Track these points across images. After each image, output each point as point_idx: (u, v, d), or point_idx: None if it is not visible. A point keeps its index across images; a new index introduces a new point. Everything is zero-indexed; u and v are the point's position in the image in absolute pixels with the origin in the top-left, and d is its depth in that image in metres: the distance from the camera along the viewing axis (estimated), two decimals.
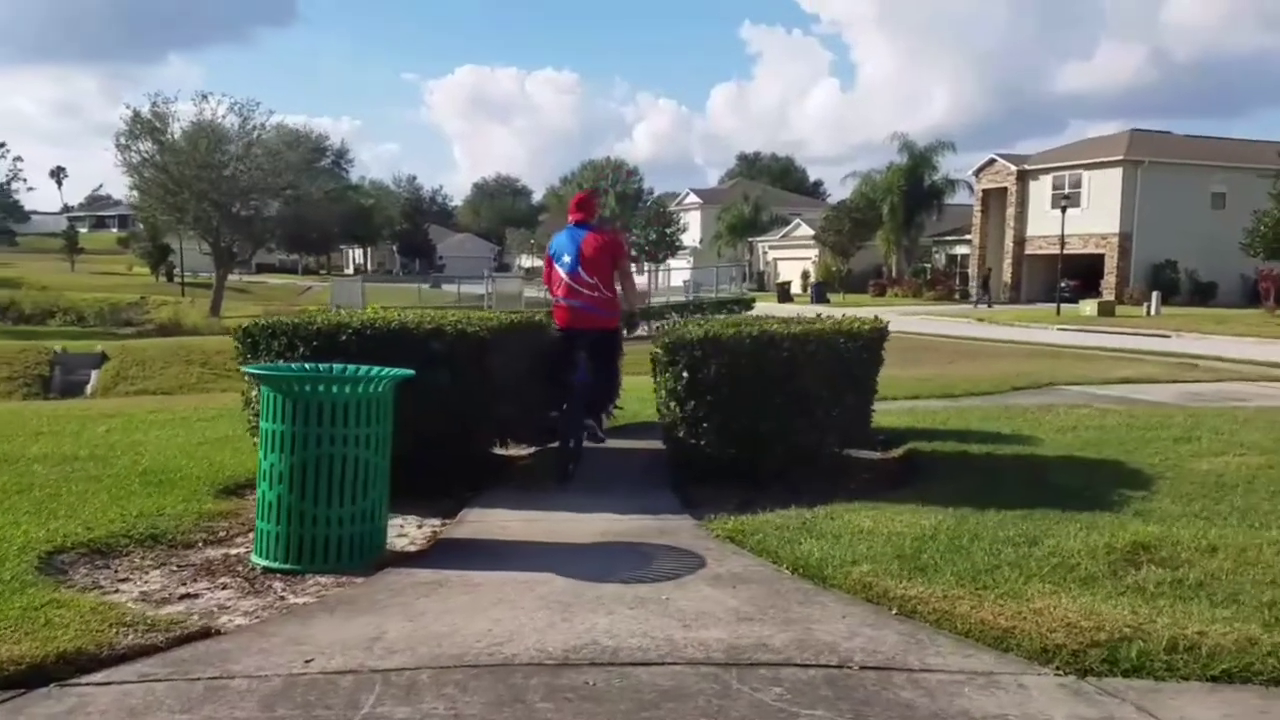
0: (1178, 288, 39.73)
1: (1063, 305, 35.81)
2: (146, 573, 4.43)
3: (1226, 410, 9.91)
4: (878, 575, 4.20)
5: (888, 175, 51.85)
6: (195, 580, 4.34)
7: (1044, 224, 42.88)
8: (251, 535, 4.76)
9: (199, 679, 3.22)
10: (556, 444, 6.94)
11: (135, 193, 45.88)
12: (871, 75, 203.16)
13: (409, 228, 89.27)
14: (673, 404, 6.29)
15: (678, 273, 48.66)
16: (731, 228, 65.21)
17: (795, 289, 52.50)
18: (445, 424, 5.72)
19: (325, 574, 4.39)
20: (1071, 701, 3.13)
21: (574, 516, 5.49)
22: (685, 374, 6.13)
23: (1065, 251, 38.74)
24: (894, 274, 53.61)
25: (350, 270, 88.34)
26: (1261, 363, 17.09)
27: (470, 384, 5.81)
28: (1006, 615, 3.69)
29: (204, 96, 42.87)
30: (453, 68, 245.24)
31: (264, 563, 4.47)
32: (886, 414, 8.46)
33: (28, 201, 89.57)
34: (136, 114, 41.94)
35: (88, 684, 3.20)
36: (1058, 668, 3.36)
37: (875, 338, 6.66)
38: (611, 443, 7.42)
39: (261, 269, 76.58)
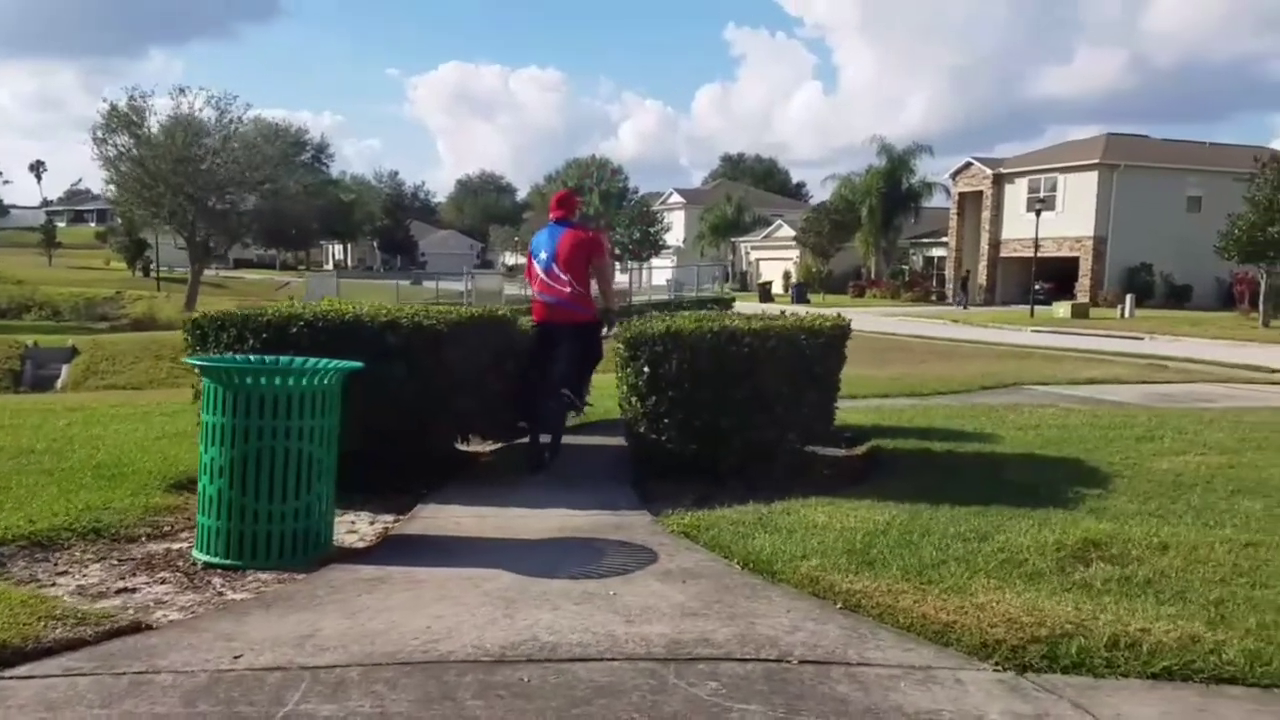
0: (1153, 291, 40.06)
1: (1037, 307, 36.05)
2: (86, 566, 4.35)
3: (1192, 410, 9.96)
4: (825, 570, 4.16)
5: (866, 178, 52.16)
6: (134, 575, 4.26)
7: (1019, 227, 43.13)
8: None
9: (124, 674, 3.15)
10: (526, 439, 6.89)
11: (112, 187, 45.31)
12: (854, 79, 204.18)
13: (390, 224, 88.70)
14: (634, 399, 6.25)
15: (660, 272, 48.78)
16: (714, 228, 65.40)
17: (777, 289, 52.63)
18: (400, 419, 5.65)
19: (267, 570, 4.31)
20: (1008, 697, 3.10)
21: (530, 513, 5.42)
22: (646, 369, 6.10)
23: (1040, 254, 38.96)
24: (873, 275, 53.89)
25: (330, 266, 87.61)
26: (1232, 364, 17.23)
27: (426, 378, 5.73)
28: (949, 610, 3.67)
29: (181, 90, 42.47)
30: (436, 64, 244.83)
31: (205, 558, 4.39)
32: (853, 411, 8.46)
33: (6, 195, 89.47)
34: (113, 107, 41.45)
35: (10, 677, 3.13)
36: (997, 663, 3.33)
37: (837, 335, 6.65)
38: (577, 439, 7.37)
39: (239, 264, 76.02)
